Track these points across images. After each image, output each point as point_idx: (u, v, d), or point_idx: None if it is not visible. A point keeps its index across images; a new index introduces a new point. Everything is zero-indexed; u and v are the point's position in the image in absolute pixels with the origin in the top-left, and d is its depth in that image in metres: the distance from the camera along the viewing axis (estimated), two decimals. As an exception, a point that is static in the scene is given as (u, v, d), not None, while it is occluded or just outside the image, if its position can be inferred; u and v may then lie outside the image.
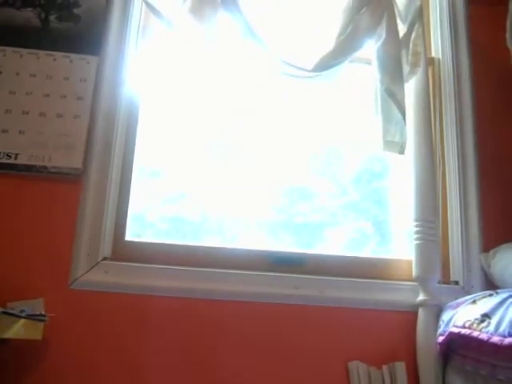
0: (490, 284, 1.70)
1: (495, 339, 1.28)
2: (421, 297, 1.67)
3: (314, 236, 1.89)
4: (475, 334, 1.33)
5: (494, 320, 1.33)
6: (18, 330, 1.31)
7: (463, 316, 1.44)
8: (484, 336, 1.31)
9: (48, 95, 1.71)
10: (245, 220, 1.87)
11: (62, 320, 1.52)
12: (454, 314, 1.51)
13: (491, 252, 1.71)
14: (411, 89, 1.83)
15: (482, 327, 1.32)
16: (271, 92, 1.92)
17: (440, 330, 1.56)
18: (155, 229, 1.83)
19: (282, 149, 1.95)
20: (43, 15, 1.78)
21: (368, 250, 1.90)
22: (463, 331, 1.39)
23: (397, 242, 1.91)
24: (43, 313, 1.43)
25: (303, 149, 1.96)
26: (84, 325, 1.58)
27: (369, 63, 1.85)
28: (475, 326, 1.35)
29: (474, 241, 1.77)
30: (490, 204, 1.82)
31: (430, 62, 1.95)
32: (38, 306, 1.51)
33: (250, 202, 1.89)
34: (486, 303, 1.41)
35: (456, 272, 1.76)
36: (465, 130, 1.87)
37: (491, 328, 1.31)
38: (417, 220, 1.73)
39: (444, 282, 1.74)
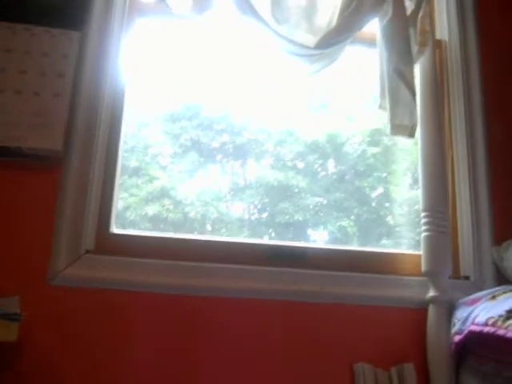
0: (503, 278, 1.60)
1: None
2: (431, 293, 1.55)
3: (297, 235, 1.84)
4: (501, 332, 1.21)
5: (523, 316, 1.22)
6: (-12, 331, 1.18)
7: (484, 313, 1.33)
8: (512, 333, 1.20)
9: (25, 72, 1.56)
10: (227, 218, 1.82)
11: (39, 319, 1.39)
12: (471, 311, 1.40)
13: (504, 245, 1.62)
14: (417, 72, 1.73)
15: (509, 324, 1.20)
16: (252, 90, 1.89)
17: (455, 329, 1.45)
18: (137, 227, 1.76)
19: (266, 146, 1.91)
20: (21, -14, 1.63)
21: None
22: (486, 329, 1.27)
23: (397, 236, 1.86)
24: (18, 312, 1.30)
25: (287, 147, 1.92)
26: (64, 324, 1.45)
27: (370, 45, 1.76)
28: (500, 323, 1.23)
29: (485, 233, 1.67)
30: (502, 193, 1.71)
31: (437, 44, 1.85)
32: (13, 304, 1.36)
33: (232, 200, 1.85)
34: (509, 299, 1.31)
35: (466, 266, 1.66)
36: (473, 114, 1.77)
37: (521, 324, 1.20)
38: (425, 210, 1.62)
39: (454, 277, 1.64)
